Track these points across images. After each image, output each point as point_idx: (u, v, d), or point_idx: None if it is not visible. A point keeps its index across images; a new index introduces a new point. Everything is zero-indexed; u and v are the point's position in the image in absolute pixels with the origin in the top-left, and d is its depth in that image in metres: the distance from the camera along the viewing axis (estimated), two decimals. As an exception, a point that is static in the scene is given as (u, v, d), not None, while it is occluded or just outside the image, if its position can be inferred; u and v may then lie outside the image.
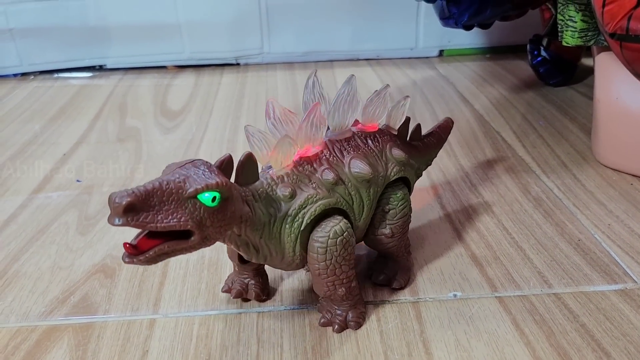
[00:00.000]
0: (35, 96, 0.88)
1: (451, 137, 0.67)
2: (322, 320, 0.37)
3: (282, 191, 0.34)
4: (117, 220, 0.26)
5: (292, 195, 0.34)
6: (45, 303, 0.41)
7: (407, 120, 0.42)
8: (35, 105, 0.84)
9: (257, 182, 0.34)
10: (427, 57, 1.03)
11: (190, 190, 0.28)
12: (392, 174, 0.39)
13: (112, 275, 0.44)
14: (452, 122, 0.48)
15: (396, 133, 0.42)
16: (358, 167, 0.36)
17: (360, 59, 1.02)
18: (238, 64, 1.02)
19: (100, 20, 0.94)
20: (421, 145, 0.45)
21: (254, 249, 0.34)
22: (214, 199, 0.28)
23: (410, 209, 0.40)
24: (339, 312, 0.37)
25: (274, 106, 0.35)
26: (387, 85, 0.40)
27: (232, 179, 0.32)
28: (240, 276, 0.40)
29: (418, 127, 0.44)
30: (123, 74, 0.98)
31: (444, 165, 0.61)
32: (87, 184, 0.59)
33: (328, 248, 0.34)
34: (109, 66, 0.99)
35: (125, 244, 0.27)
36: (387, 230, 0.39)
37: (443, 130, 0.47)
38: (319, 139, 0.36)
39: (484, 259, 0.45)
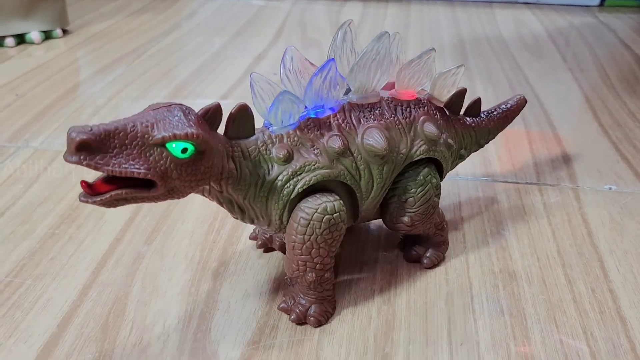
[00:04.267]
0: (219, 14, 1.00)
1: (613, 75, 0.71)
2: (282, 305, 0.34)
3: (276, 152, 0.30)
4: (70, 157, 0.24)
5: (288, 159, 0.30)
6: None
7: (462, 91, 0.37)
8: (220, 21, 0.97)
9: (251, 138, 0.30)
10: (587, 6, 1.05)
11: (157, 136, 0.25)
12: (417, 152, 0.34)
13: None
14: (525, 101, 0.43)
15: (442, 105, 0.37)
16: (372, 138, 0.31)
17: (519, 2, 1.06)
18: (400, -1, 1.09)
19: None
20: (477, 123, 0.40)
21: (238, 208, 0.31)
22: (184, 150, 0.26)
23: (435, 193, 0.35)
24: (302, 301, 0.33)
25: (293, 55, 0.32)
26: (433, 49, 0.34)
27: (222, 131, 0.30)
28: None
29: (477, 101, 0.39)
30: (294, 1, 1.08)
31: (601, 94, 0.65)
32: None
33: (311, 222, 0.30)
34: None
35: (82, 182, 0.25)
36: (405, 219, 0.34)
37: (512, 110, 0.42)
38: (333, 100, 0.32)
39: (638, 165, 0.50)
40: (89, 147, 0.24)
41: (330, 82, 0.30)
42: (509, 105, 0.42)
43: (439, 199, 0.35)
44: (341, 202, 0.31)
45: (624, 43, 0.84)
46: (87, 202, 0.25)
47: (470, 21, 0.94)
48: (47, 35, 0.82)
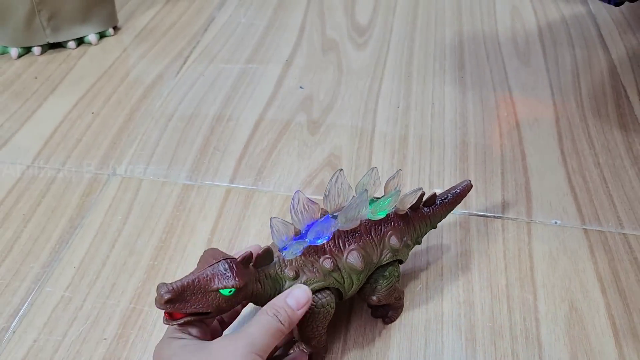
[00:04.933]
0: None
1: (585, 88, 0.84)
2: (291, 353, 0.48)
3: (288, 272, 0.43)
4: (160, 306, 0.38)
5: (296, 277, 0.44)
6: (298, 182, 0.68)
7: (421, 195, 0.50)
8: (248, 15, 1.07)
9: (271, 265, 0.44)
10: (582, -13, 1.14)
11: (214, 287, 0.38)
12: (384, 259, 0.48)
13: (335, 168, 0.70)
14: (471, 186, 0.55)
15: (404, 212, 0.50)
16: (353, 260, 0.45)
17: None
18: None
19: None
20: (432, 211, 0.53)
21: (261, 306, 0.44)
22: (230, 291, 0.39)
23: (396, 280, 0.49)
24: (304, 348, 0.48)
25: (299, 198, 0.44)
26: (340, 169, 0.46)
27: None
28: None
29: (433, 196, 0.52)
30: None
31: (570, 113, 0.79)
32: (306, 91, 0.84)
33: (312, 312, 0.44)
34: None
35: (165, 313, 0.39)
36: (374, 298, 0.48)
37: (460, 195, 0.54)
38: (311, 219, 0.45)
39: (582, 199, 0.66)
40: (172, 301, 0.37)
41: (305, 208, 0.45)
42: (457, 191, 0.54)
43: (399, 283, 0.50)
44: (332, 296, 0.45)
45: (604, 43, 0.96)
46: (169, 324, 0.39)
47: (472, 12, 1.05)
48: (102, 35, 0.95)
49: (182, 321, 0.39)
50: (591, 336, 0.52)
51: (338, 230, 0.46)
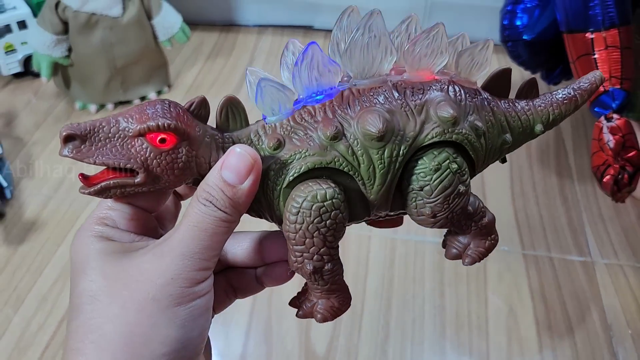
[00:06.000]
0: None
1: (534, 144, 1.11)
2: (292, 301, 0.35)
3: (268, 141, 0.30)
4: (61, 150, 0.27)
5: (278, 146, 0.30)
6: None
7: (504, 71, 0.34)
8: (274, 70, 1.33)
9: (244, 129, 0.31)
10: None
11: (134, 128, 0.27)
12: (429, 136, 0.31)
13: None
14: (602, 80, 0.36)
15: (474, 86, 0.34)
16: (367, 121, 0.29)
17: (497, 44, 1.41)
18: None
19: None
20: (532, 107, 0.35)
21: None
22: (162, 139, 0.27)
23: (459, 180, 0.31)
24: (311, 297, 0.33)
25: (293, 48, 0.32)
26: (441, 23, 0.31)
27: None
28: None
29: (531, 82, 0.36)
30: (326, 34, 1.43)
31: (521, 163, 1.06)
32: None
33: (301, 210, 0.29)
34: (316, 27, 1.44)
35: (79, 174, 0.28)
36: (427, 210, 0.31)
37: (584, 90, 0.36)
38: (328, 87, 0.30)
39: (523, 231, 0.93)
40: (75, 140, 0.27)
41: (319, 67, 0.29)
42: (580, 85, 0.36)
43: (466, 187, 0.32)
44: (336, 189, 0.29)
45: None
46: (84, 193, 0.28)
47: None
48: (159, 92, 1.21)
49: (99, 186, 0.28)
50: (521, 328, 0.79)
51: (350, 89, 0.31)
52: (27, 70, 1.20)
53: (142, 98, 1.19)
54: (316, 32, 1.43)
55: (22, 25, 1.14)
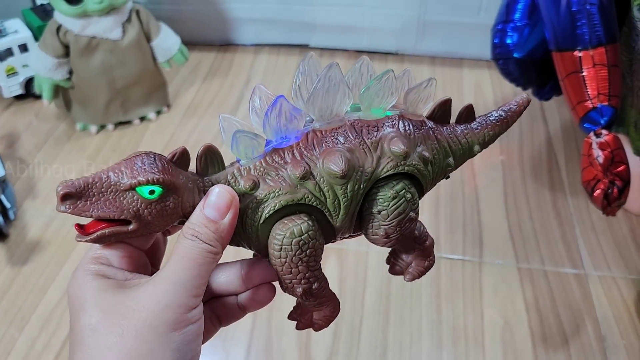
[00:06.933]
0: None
1: (525, 154, 1.13)
2: (290, 316, 0.38)
3: (244, 183, 0.33)
4: (59, 207, 0.29)
5: (253, 187, 0.33)
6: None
7: (446, 101, 0.38)
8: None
9: (221, 172, 0.34)
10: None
11: (128, 183, 0.30)
12: (384, 170, 0.34)
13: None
14: (529, 101, 0.41)
15: (421, 118, 0.38)
16: (331, 161, 0.33)
17: (482, 60, 1.44)
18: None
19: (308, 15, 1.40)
20: (470, 130, 0.39)
21: None
22: (151, 192, 0.30)
23: (411, 208, 0.35)
24: (305, 310, 0.37)
25: (261, 94, 0.34)
26: (390, 70, 0.35)
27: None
28: None
29: (468, 108, 0.39)
30: (321, 52, 1.45)
31: (514, 178, 1.08)
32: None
33: (283, 247, 0.32)
34: (311, 45, 1.47)
35: (75, 225, 0.31)
36: (381, 231, 0.35)
37: (513, 112, 0.40)
38: (294, 131, 0.34)
39: (517, 245, 0.95)
40: (72, 197, 0.29)
41: (286, 115, 0.33)
42: (510, 107, 0.40)
43: (416, 214, 0.36)
44: (309, 222, 0.33)
45: (544, 116, 1.25)
46: (80, 241, 0.31)
47: (443, 86, 1.34)
48: (158, 112, 1.23)
49: (94, 235, 0.30)
50: (517, 341, 0.81)
51: (313, 130, 0.34)
52: (29, 92, 1.22)
53: (142, 118, 1.20)
54: (312, 50, 1.45)
55: (23, 48, 1.16)
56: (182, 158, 0.33)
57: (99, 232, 0.31)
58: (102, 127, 1.18)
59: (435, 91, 0.38)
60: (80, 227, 0.31)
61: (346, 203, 0.34)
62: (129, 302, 0.29)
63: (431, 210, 1.01)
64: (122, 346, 0.28)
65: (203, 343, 0.35)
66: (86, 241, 0.31)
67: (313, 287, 0.34)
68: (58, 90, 1.13)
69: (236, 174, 0.34)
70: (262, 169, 0.34)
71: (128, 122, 1.20)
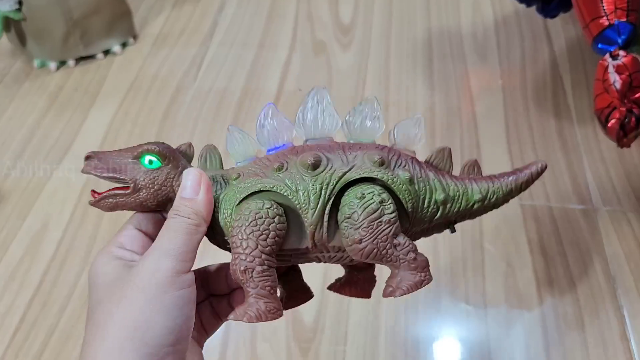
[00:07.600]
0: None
1: (528, 78, 1.03)
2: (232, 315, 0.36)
3: (230, 173, 0.37)
4: (83, 168, 0.36)
5: (237, 177, 0.36)
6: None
7: (446, 150, 0.40)
8: (245, 18, 1.24)
9: (217, 169, 0.38)
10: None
11: (135, 152, 0.36)
12: (356, 173, 0.35)
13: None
14: (544, 167, 0.41)
15: (413, 155, 0.39)
16: (305, 155, 0.36)
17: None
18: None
19: None
20: (475, 179, 0.40)
21: None
22: (150, 161, 0.36)
23: (384, 211, 0.34)
24: (251, 300, 0.35)
25: (270, 112, 0.38)
26: (375, 97, 0.38)
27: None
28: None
29: (474, 164, 0.40)
30: None
31: (516, 105, 0.99)
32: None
33: (241, 215, 0.35)
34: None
35: (91, 190, 0.37)
36: (355, 235, 0.34)
37: (527, 177, 0.40)
38: (288, 142, 0.38)
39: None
40: (92, 159, 0.36)
41: (276, 122, 0.38)
42: (524, 175, 0.40)
43: (392, 217, 0.35)
44: (273, 204, 0.35)
45: (549, 35, 1.14)
46: (90, 203, 0.37)
47: (438, 7, 1.22)
48: (124, 44, 1.11)
49: (100, 197, 0.36)
50: (520, 285, 0.75)
51: (301, 145, 0.38)
52: (-22, 28, 1.10)
53: (106, 52, 1.09)
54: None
55: (-35, -23, 1.03)
56: (187, 150, 0.39)
57: (103, 194, 0.36)
58: (62, 63, 1.07)
59: (424, 131, 0.40)
60: (94, 192, 0.37)
61: (315, 195, 0.35)
62: (128, 276, 0.33)
63: (426, 142, 0.92)
64: (120, 313, 0.32)
65: (208, 337, 0.41)
66: (93, 203, 0.37)
67: (256, 268, 0.35)
68: (9, 23, 1.01)
69: (230, 170, 0.38)
70: (250, 167, 0.37)
71: (91, 57, 1.09)
